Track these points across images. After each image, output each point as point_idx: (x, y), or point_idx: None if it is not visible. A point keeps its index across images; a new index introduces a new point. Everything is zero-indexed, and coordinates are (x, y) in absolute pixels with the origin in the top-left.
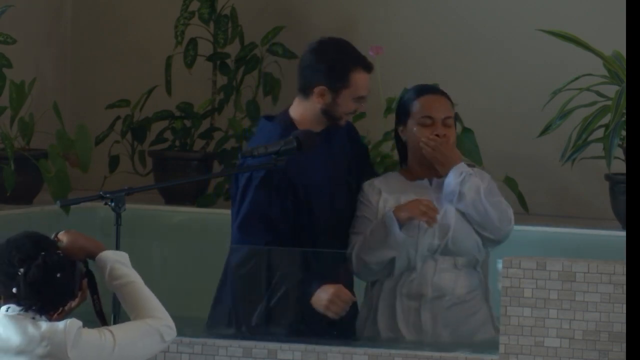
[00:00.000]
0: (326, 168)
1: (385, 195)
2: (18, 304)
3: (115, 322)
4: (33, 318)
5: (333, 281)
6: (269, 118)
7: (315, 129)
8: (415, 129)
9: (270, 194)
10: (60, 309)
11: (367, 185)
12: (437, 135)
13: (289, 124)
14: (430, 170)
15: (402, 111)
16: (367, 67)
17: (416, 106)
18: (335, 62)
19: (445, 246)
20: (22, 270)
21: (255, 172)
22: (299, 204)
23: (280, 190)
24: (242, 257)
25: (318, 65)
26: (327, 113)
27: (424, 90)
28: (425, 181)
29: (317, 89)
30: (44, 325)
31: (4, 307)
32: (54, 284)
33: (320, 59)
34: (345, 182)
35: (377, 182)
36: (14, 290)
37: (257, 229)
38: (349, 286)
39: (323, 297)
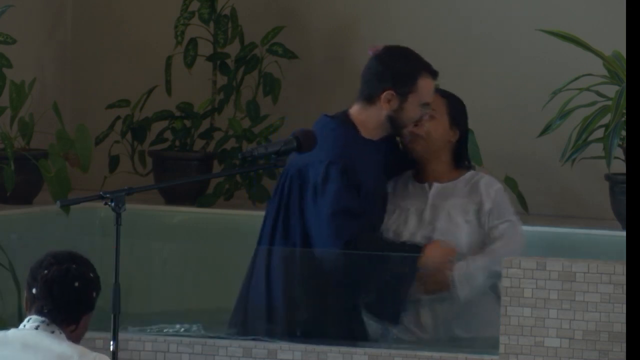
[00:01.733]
0: (377, 177)
1: (390, 198)
2: (39, 314)
3: (115, 322)
4: (52, 332)
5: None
6: (330, 117)
7: (374, 136)
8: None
9: (350, 190)
10: (74, 325)
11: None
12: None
13: (350, 127)
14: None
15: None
16: (434, 73)
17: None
18: (404, 66)
19: None
20: (46, 271)
21: (333, 170)
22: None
23: (354, 187)
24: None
25: (386, 71)
26: (393, 120)
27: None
28: (426, 185)
29: (384, 94)
30: (77, 346)
31: (26, 320)
32: (69, 290)
33: (388, 65)
34: (384, 193)
35: (391, 184)
36: (34, 290)
37: (348, 223)
38: None
39: (435, 254)
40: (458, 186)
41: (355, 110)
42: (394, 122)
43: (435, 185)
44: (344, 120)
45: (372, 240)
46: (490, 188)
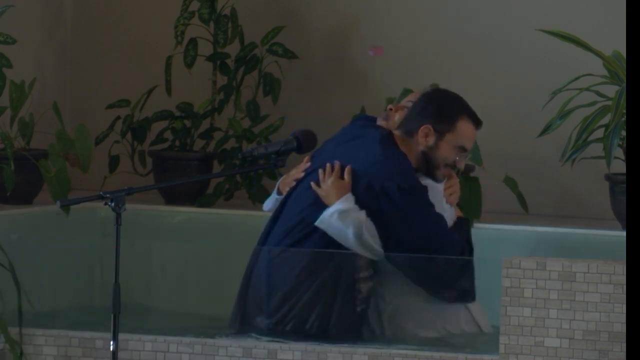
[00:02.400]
0: None
1: None
2: None
3: (115, 322)
4: None
5: None
6: (379, 130)
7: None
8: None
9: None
10: None
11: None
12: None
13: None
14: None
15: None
16: (476, 121)
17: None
18: (447, 104)
19: None
20: None
21: (419, 183)
22: None
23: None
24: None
25: (429, 106)
26: (427, 157)
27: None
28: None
29: (422, 128)
30: None
31: None
32: None
33: (432, 101)
34: None
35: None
36: None
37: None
38: None
39: None
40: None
41: (397, 137)
42: (428, 159)
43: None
44: (395, 143)
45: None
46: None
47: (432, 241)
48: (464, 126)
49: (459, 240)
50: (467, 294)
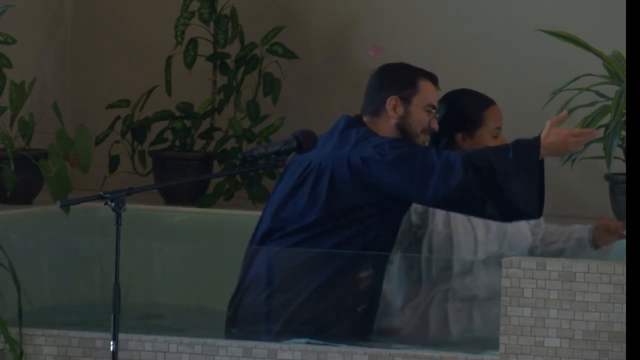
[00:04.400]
0: None
1: None
2: None
3: (115, 322)
4: None
5: None
6: (356, 120)
7: None
8: (487, 140)
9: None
10: None
11: None
12: None
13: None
14: None
15: (469, 120)
16: (432, 77)
17: (488, 117)
18: (401, 72)
19: (501, 252)
20: None
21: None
22: None
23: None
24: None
25: (385, 81)
26: (402, 127)
27: (489, 100)
28: None
29: (388, 101)
30: None
31: None
32: None
33: (386, 74)
34: None
35: None
36: None
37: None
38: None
39: (561, 132)
40: None
41: (368, 121)
42: (403, 129)
43: None
44: (373, 132)
45: (481, 152)
46: None
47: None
48: (425, 85)
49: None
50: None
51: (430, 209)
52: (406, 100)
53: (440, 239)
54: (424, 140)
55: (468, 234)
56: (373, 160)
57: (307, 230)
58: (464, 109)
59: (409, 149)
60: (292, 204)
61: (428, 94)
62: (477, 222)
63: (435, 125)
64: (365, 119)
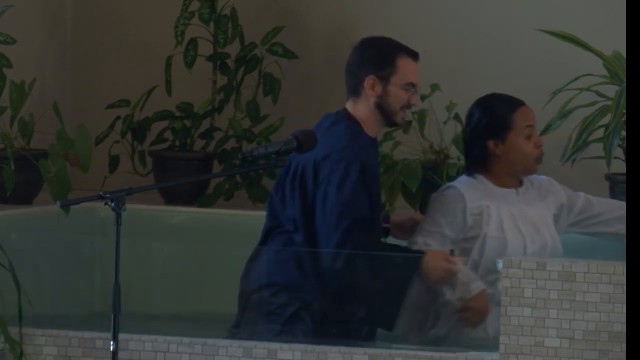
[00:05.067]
0: (378, 176)
1: (471, 202)
2: None
3: (115, 322)
4: None
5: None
6: (334, 113)
7: (374, 133)
8: (520, 142)
9: (365, 194)
10: None
11: (449, 190)
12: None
13: (356, 124)
14: (518, 181)
15: (498, 126)
16: (412, 54)
17: (517, 119)
18: (380, 49)
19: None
20: None
21: (352, 168)
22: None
23: (368, 190)
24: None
25: (363, 58)
26: (380, 106)
27: (517, 102)
28: (513, 190)
29: (366, 81)
30: None
31: None
32: None
33: (364, 52)
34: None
35: (460, 187)
36: None
37: (356, 231)
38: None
39: (437, 265)
40: (531, 192)
41: (349, 107)
42: (382, 108)
43: (521, 189)
44: (346, 115)
45: (373, 246)
46: (553, 186)
47: (333, 219)
48: (404, 63)
49: (350, 240)
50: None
51: (485, 212)
52: (384, 79)
53: (494, 242)
54: (404, 116)
55: (518, 242)
56: (325, 172)
57: (287, 227)
58: (493, 115)
59: (349, 197)
60: (279, 201)
61: (407, 72)
62: (526, 231)
63: (415, 101)
64: (347, 103)
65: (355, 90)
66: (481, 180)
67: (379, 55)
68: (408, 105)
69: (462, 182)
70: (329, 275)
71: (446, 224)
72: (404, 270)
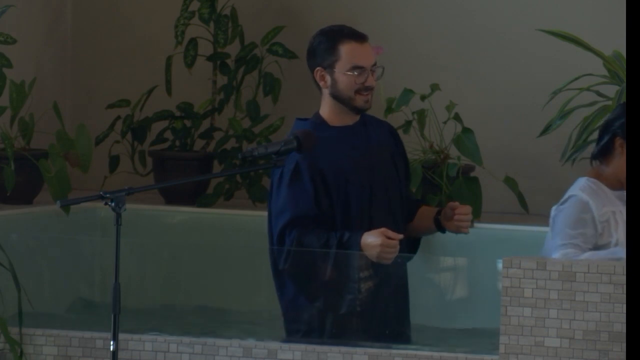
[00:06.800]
0: (364, 158)
1: (596, 210)
2: None
3: (115, 322)
4: None
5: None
6: (302, 119)
7: (345, 122)
8: None
9: (302, 188)
10: None
11: (577, 199)
12: None
13: (319, 122)
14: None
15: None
16: (355, 36)
17: None
18: (321, 39)
19: None
20: None
21: (285, 169)
22: (331, 193)
23: (311, 181)
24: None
25: (310, 52)
26: (335, 95)
27: None
28: (624, 192)
29: (316, 74)
30: None
31: None
32: None
33: (311, 45)
34: (389, 174)
35: (584, 194)
36: None
37: (293, 227)
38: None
39: (372, 242)
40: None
41: (321, 105)
42: (337, 96)
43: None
44: (314, 115)
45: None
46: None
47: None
48: (347, 48)
49: (289, 240)
50: None
51: (612, 218)
52: (330, 68)
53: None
54: (369, 99)
55: None
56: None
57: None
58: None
59: (285, 198)
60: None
61: (351, 56)
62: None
63: (371, 82)
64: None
65: (317, 85)
66: (593, 184)
67: (321, 46)
68: (365, 88)
69: (582, 189)
70: (285, 277)
71: (579, 235)
72: (345, 257)
